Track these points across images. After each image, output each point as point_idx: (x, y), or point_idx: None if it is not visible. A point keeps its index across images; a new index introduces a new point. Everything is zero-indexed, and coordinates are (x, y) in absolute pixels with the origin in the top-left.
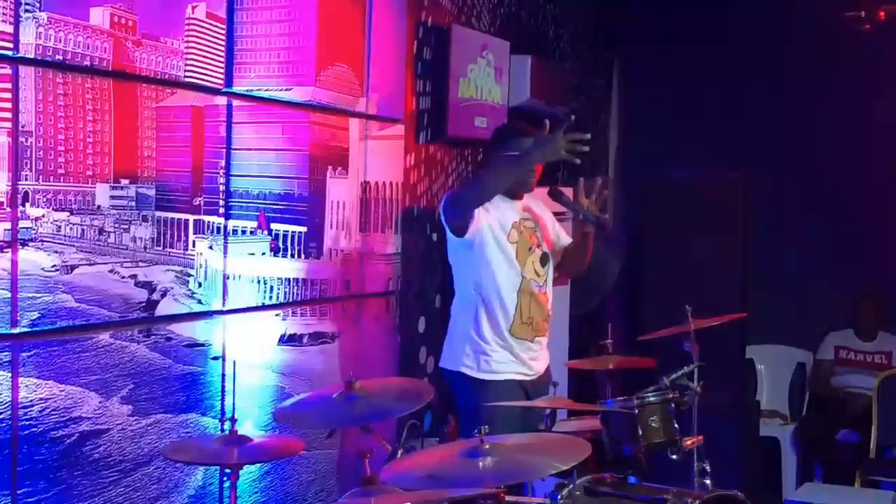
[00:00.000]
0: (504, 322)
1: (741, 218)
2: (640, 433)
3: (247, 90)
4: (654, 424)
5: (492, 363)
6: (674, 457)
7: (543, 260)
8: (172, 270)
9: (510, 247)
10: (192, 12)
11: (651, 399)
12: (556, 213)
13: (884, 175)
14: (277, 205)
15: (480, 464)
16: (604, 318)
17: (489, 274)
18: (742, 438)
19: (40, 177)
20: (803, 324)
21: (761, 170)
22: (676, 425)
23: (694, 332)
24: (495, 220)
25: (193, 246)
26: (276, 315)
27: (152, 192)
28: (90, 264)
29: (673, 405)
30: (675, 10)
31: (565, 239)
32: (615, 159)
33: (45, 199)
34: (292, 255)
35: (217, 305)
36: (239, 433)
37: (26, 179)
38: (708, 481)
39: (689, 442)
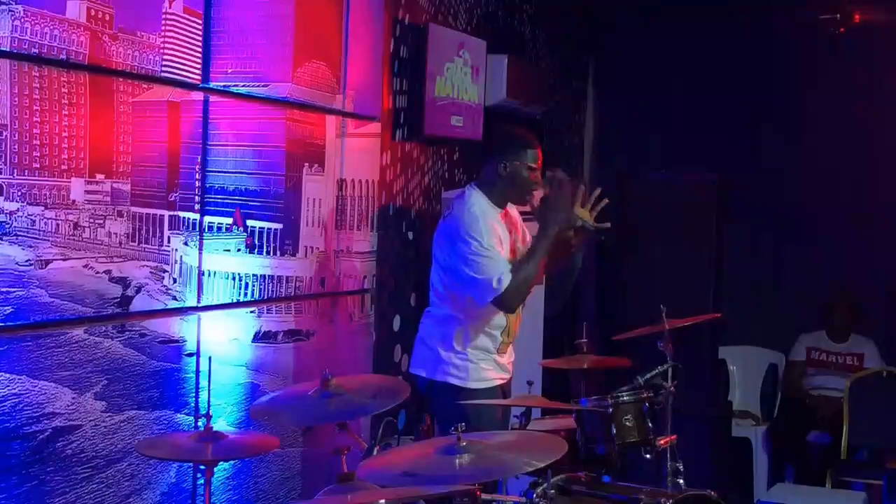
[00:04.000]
0: (492, 344)
1: (715, 218)
2: (615, 432)
3: (223, 86)
4: (628, 424)
5: (480, 372)
6: (647, 456)
7: None
8: (147, 266)
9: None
10: (170, 7)
11: (625, 398)
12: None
13: (858, 177)
14: (253, 201)
15: (457, 461)
16: (578, 318)
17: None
18: (714, 439)
19: (15, 170)
20: (775, 325)
21: (736, 170)
22: (650, 425)
23: (668, 331)
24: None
25: (169, 242)
26: (251, 312)
27: (128, 188)
28: (64, 259)
29: (647, 405)
30: (652, 11)
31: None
32: (590, 159)
33: (19, 193)
34: (268, 252)
35: (192, 302)
36: (214, 430)
37: (1, 173)
38: (681, 481)
39: (662, 441)
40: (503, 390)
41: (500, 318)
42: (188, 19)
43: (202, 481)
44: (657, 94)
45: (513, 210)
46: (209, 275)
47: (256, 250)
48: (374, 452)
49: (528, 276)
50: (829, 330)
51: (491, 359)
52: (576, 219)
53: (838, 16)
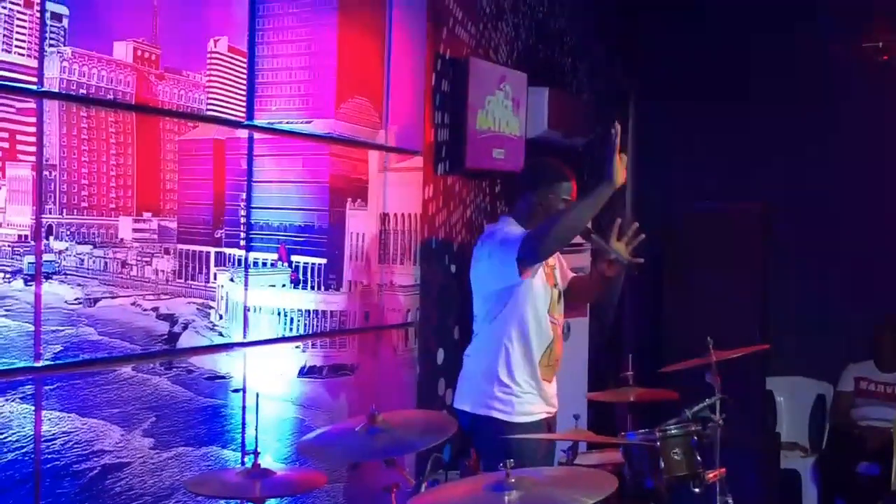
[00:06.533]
0: (532, 367)
1: (760, 249)
2: (663, 466)
3: (268, 123)
4: (676, 457)
5: (525, 405)
6: (696, 490)
7: (560, 297)
8: (194, 303)
9: (548, 289)
10: (214, 46)
11: (673, 431)
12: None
13: None
14: (298, 237)
15: (506, 498)
16: (624, 350)
17: (527, 317)
18: (763, 471)
19: (64, 210)
20: (823, 355)
21: (780, 200)
22: (699, 458)
23: (716, 363)
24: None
25: (215, 278)
26: (297, 347)
27: (174, 225)
28: (113, 297)
29: (695, 438)
30: (692, 40)
31: (569, 271)
32: (632, 191)
33: (68, 233)
34: (312, 287)
35: (238, 337)
36: (261, 466)
37: (50, 213)
38: None
39: (711, 475)
40: (548, 424)
41: (541, 341)
42: (232, 58)
43: None
44: (699, 123)
45: None
46: (255, 310)
47: (301, 285)
48: (423, 489)
49: (562, 219)
50: (878, 359)
51: (536, 391)
52: (611, 250)
53: (881, 43)
